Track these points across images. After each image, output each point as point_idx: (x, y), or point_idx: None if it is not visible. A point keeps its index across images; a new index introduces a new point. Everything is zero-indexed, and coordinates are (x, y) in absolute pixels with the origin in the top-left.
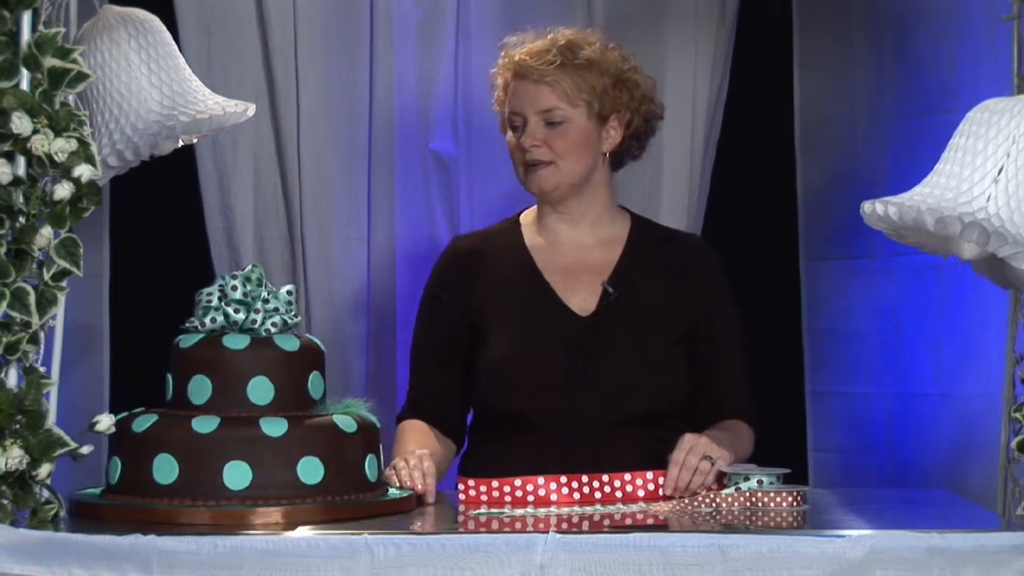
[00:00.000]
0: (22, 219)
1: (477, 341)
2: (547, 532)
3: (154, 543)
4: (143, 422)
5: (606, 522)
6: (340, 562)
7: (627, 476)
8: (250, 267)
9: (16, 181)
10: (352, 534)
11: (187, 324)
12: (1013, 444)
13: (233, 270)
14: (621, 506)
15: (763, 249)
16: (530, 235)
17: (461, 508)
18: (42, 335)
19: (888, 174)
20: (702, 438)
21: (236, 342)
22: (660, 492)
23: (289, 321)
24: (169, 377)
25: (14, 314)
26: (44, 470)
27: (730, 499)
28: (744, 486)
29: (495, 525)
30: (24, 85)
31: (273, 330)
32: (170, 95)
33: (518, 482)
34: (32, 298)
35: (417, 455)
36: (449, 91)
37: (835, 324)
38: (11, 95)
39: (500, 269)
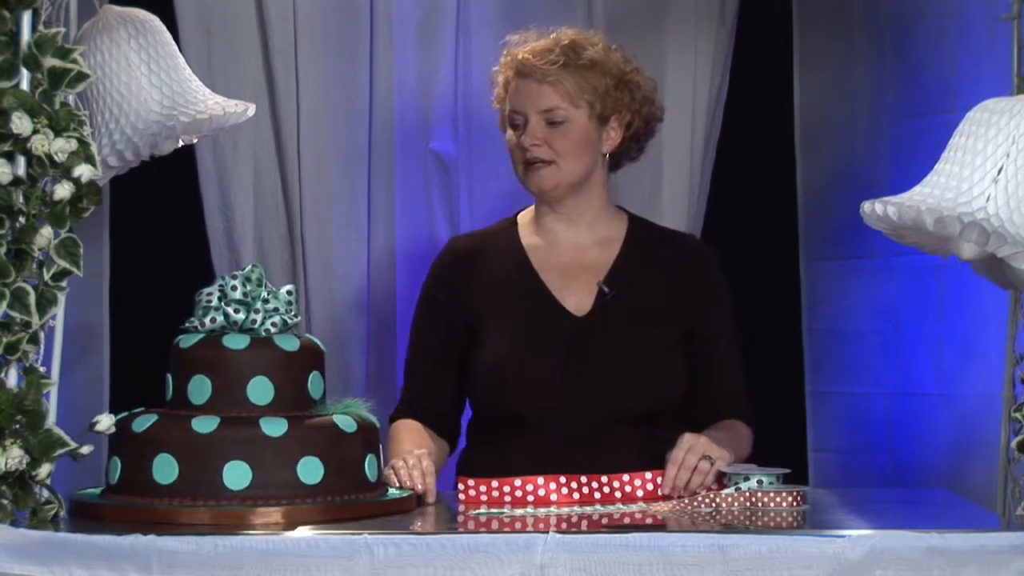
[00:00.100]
0: (22, 219)
1: (473, 341)
2: (547, 532)
3: (154, 543)
4: (143, 422)
5: (605, 522)
6: (340, 562)
7: (626, 477)
8: (250, 267)
9: (16, 181)
10: (352, 534)
11: (187, 324)
12: (1013, 444)
13: (233, 270)
14: (621, 506)
15: (763, 249)
16: (527, 235)
17: (461, 508)
18: (42, 335)
19: (888, 174)
20: (701, 438)
21: (236, 342)
22: (659, 492)
23: (289, 321)
24: (169, 377)
25: (14, 314)
26: (44, 470)
27: (730, 499)
28: (744, 486)
29: (495, 525)
30: (24, 85)
31: (273, 330)
32: (170, 95)
33: (518, 482)
34: (32, 298)
35: (416, 455)
36: (449, 91)
37: (835, 324)
38: (11, 95)
39: (497, 269)
